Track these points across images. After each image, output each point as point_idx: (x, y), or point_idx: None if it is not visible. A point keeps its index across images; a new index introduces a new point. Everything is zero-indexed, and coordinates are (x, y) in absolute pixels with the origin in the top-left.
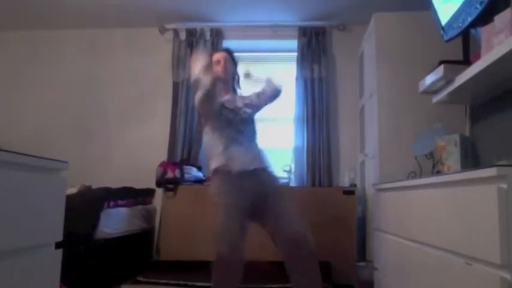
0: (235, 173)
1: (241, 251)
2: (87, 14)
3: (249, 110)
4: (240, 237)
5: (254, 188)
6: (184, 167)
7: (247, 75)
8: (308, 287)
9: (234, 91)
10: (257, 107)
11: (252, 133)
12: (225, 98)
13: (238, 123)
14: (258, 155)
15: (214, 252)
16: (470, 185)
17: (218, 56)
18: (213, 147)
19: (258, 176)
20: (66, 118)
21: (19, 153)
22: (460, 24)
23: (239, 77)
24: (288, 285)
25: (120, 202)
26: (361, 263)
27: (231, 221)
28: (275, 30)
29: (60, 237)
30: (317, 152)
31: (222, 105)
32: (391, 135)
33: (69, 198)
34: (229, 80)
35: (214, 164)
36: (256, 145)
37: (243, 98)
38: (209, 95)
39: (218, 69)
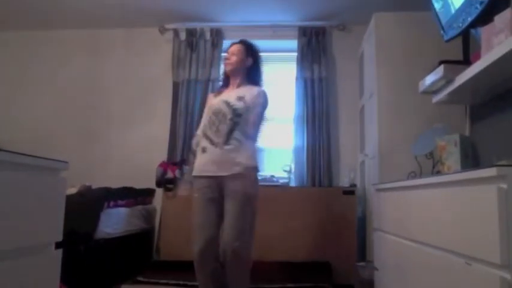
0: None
1: None
2: (87, 14)
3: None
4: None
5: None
6: (185, 167)
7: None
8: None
9: (252, 83)
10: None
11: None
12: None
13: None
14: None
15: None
16: (470, 185)
17: (229, 50)
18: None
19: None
20: (66, 118)
21: (19, 153)
22: (460, 24)
23: (258, 68)
24: (288, 285)
25: (120, 202)
26: (361, 263)
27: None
28: (275, 30)
29: (60, 237)
30: (317, 152)
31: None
32: (391, 135)
33: (69, 198)
34: (239, 72)
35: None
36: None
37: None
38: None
39: (224, 63)
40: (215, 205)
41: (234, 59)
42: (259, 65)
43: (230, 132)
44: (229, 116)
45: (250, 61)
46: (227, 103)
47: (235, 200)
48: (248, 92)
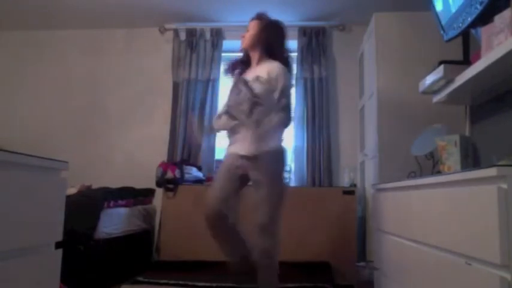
0: None
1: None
2: (87, 14)
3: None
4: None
5: None
6: (184, 167)
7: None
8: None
9: (272, 57)
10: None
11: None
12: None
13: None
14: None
15: None
16: (470, 185)
17: (248, 26)
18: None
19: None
20: (66, 118)
21: (19, 153)
22: (460, 24)
23: (277, 41)
24: (288, 285)
25: (120, 202)
26: (361, 263)
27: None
28: None
29: (60, 237)
30: (317, 152)
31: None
32: (391, 135)
33: (69, 198)
34: (256, 48)
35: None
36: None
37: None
38: (214, 132)
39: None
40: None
41: (247, 34)
42: (279, 38)
43: (251, 111)
44: (248, 96)
45: (267, 35)
46: (246, 82)
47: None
48: (265, 70)
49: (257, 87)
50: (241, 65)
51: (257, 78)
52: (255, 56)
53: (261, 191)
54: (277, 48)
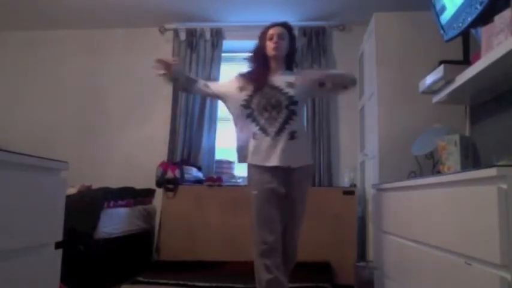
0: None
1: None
2: (87, 14)
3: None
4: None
5: None
6: (184, 167)
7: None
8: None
9: (289, 68)
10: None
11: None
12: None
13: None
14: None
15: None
16: (470, 185)
17: (272, 31)
18: None
19: None
20: (66, 118)
21: (19, 153)
22: (460, 24)
23: (294, 53)
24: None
25: (120, 202)
26: (361, 263)
27: None
28: None
29: (60, 237)
30: (317, 152)
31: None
32: (391, 135)
33: (69, 198)
34: (282, 58)
35: None
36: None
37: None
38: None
39: (270, 45)
40: None
41: (282, 44)
42: (295, 51)
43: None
44: (285, 103)
45: (295, 46)
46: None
47: None
48: (291, 76)
49: (295, 93)
50: (265, 71)
51: (290, 85)
52: (279, 63)
53: (299, 208)
54: (293, 59)
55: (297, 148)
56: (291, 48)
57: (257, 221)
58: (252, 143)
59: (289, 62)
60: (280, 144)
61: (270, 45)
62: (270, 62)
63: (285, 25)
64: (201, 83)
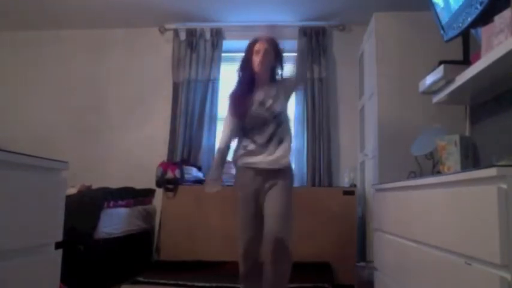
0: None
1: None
2: (87, 14)
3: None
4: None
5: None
6: (184, 167)
7: None
8: (275, 277)
9: (273, 81)
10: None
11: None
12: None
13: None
14: None
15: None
16: (470, 185)
17: (259, 46)
18: None
19: None
20: (66, 118)
21: (19, 153)
22: (460, 24)
23: (282, 67)
24: (289, 285)
25: (120, 202)
26: (361, 263)
27: None
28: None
29: (60, 237)
30: (317, 152)
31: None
32: (391, 135)
33: (69, 198)
34: (267, 72)
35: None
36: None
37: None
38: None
39: (256, 60)
40: None
41: (267, 60)
42: (282, 63)
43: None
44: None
45: (279, 59)
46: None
47: None
48: (275, 89)
49: (278, 107)
50: (248, 94)
51: (274, 97)
52: (264, 76)
53: (279, 191)
54: (276, 71)
55: (283, 150)
56: (276, 63)
57: (240, 223)
58: (241, 151)
59: (273, 74)
60: (269, 150)
61: (255, 60)
62: (255, 74)
63: (271, 41)
64: (224, 148)
